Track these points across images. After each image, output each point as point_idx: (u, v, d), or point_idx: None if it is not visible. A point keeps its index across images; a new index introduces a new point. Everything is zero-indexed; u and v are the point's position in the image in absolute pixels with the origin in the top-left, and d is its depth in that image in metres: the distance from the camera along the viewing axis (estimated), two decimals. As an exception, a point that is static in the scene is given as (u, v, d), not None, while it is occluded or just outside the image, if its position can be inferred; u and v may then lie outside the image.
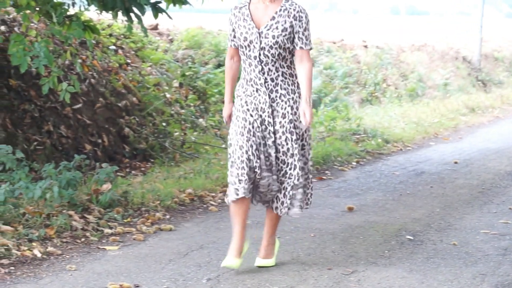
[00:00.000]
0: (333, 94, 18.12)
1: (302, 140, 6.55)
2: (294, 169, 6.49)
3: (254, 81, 6.49)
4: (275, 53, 6.41)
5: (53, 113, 11.14)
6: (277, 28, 6.39)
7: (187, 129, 13.08)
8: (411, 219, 8.50)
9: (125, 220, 8.21)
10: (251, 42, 6.42)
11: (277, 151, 6.50)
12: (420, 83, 21.97)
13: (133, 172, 10.81)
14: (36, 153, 10.20)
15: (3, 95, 10.76)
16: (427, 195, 9.97)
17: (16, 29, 11.29)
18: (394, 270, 6.63)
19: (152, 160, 11.44)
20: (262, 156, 6.46)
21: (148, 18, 9.97)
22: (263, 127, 6.50)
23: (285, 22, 6.40)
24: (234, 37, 6.57)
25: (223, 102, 14.49)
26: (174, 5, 10.04)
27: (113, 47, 13.49)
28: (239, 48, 6.55)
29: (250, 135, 6.46)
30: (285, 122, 6.47)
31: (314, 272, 6.51)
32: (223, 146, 12.44)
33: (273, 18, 6.42)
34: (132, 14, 9.52)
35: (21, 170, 8.14)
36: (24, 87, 10.99)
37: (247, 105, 6.52)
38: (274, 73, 6.46)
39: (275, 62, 6.44)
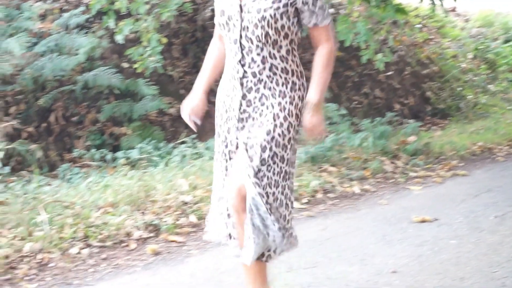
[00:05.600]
0: None
1: (283, 164, 3.53)
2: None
3: (232, 75, 3.57)
4: (261, 34, 3.44)
5: (369, 78, 11.24)
6: None
7: (478, 93, 12.79)
8: None
9: (426, 166, 8.06)
10: (230, 18, 3.51)
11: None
12: None
13: (433, 127, 10.71)
14: (355, 110, 10.29)
15: (331, 64, 11.02)
16: None
17: (341, 11, 11.37)
18: None
19: (449, 118, 11.29)
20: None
21: (448, 1, 9.68)
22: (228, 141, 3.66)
23: None
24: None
25: (510, 71, 14.30)
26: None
27: (418, 25, 13.43)
28: (220, 28, 3.63)
29: (222, 157, 3.70)
30: (259, 132, 3.49)
31: None
32: (508, 108, 12.14)
33: None
34: (435, -1, 9.29)
35: (344, 123, 8.24)
36: (347, 57, 11.12)
37: (222, 110, 3.67)
38: (258, 65, 3.49)
39: (262, 49, 3.47)
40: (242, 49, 3.50)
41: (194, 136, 7.79)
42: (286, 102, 3.50)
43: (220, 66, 3.74)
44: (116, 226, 5.45)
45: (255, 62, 3.49)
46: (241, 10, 3.46)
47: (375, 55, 8.89)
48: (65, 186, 6.25)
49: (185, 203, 6.11)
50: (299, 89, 3.56)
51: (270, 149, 3.45)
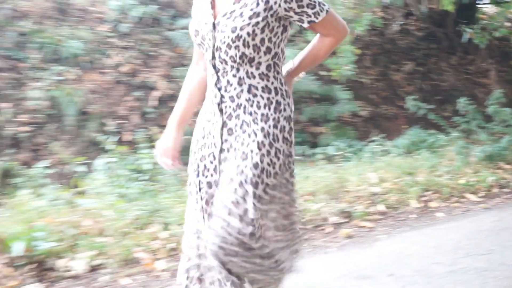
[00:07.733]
0: None
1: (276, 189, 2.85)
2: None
3: (211, 99, 2.92)
4: (236, 55, 2.78)
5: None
6: (241, 15, 2.75)
7: None
8: None
9: None
10: (203, 38, 2.87)
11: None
12: None
13: None
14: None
15: (506, 72, 10.92)
16: None
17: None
18: None
19: None
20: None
21: None
22: (211, 172, 2.93)
23: (257, 4, 2.73)
24: None
25: None
26: None
27: None
28: (198, 48, 3.01)
29: (193, 188, 2.99)
30: (245, 167, 2.76)
31: None
32: None
33: (238, 0, 2.80)
34: None
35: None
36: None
37: (199, 135, 3.00)
38: (235, 88, 2.83)
39: (238, 70, 2.81)
40: (216, 71, 2.86)
41: (383, 135, 8.09)
42: (269, 126, 2.80)
43: (196, 96, 3.10)
44: (315, 212, 5.72)
45: (231, 85, 2.83)
46: (214, 29, 2.82)
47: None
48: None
49: (374, 194, 6.32)
50: (284, 109, 2.87)
51: (262, 182, 2.76)
